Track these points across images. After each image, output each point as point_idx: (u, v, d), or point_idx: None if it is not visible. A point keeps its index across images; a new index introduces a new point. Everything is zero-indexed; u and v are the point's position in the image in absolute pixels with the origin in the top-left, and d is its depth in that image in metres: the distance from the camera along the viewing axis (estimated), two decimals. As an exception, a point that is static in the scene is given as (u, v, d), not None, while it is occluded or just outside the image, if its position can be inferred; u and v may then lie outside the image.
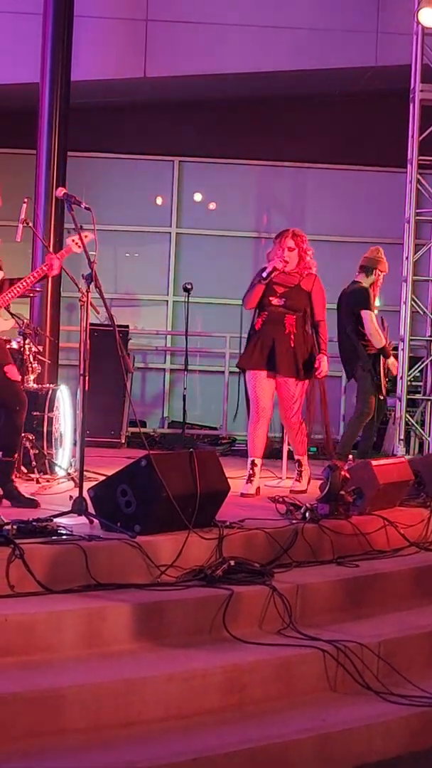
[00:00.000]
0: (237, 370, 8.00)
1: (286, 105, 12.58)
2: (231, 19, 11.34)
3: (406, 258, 10.37)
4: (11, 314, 6.78)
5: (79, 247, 6.18)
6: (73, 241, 6.37)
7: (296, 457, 7.73)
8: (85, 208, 5.85)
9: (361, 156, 12.78)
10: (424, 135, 10.29)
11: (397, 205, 11.01)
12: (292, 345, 7.44)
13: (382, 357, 9.05)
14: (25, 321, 7.84)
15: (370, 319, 8.90)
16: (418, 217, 10.41)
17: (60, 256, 6.49)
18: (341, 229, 12.93)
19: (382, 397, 9.26)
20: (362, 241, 12.54)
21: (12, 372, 6.28)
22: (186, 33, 11.40)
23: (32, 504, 6.11)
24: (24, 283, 6.44)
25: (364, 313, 8.88)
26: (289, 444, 8.01)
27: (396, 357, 9.57)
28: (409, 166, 10.36)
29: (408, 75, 10.37)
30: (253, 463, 7.44)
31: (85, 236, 6.10)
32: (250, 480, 7.40)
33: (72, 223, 6.05)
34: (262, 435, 7.52)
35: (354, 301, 8.98)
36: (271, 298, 7.49)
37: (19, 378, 6.40)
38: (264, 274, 7.46)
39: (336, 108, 12.55)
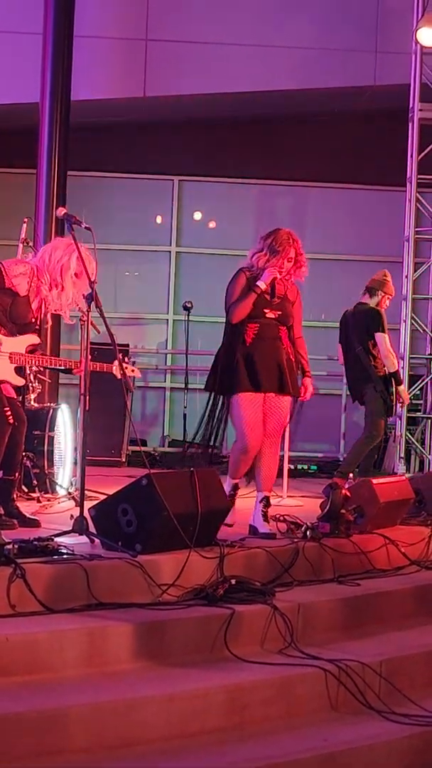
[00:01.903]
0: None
1: (285, 124, 12.63)
2: (230, 38, 11.38)
3: (406, 276, 10.41)
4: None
5: (121, 375, 6.13)
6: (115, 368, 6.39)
7: (266, 493, 6.55)
8: (86, 227, 5.86)
9: (360, 175, 12.81)
10: (423, 154, 10.35)
11: (397, 224, 11.06)
12: (287, 360, 6.63)
13: (393, 381, 9.00)
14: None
15: (385, 341, 8.86)
16: (417, 236, 10.47)
17: (95, 366, 6.34)
18: (341, 247, 12.96)
19: (390, 419, 9.27)
20: (362, 259, 12.58)
21: (7, 389, 6.27)
22: (185, 53, 11.45)
23: (33, 523, 6.10)
24: (49, 362, 6.62)
25: (378, 335, 8.83)
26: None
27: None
28: (408, 184, 10.42)
29: (407, 94, 10.44)
30: (236, 487, 6.76)
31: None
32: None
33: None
34: (249, 464, 6.67)
35: (366, 322, 8.93)
36: (265, 310, 6.57)
37: (15, 395, 6.38)
38: (261, 284, 6.53)
39: (335, 127, 12.59)
